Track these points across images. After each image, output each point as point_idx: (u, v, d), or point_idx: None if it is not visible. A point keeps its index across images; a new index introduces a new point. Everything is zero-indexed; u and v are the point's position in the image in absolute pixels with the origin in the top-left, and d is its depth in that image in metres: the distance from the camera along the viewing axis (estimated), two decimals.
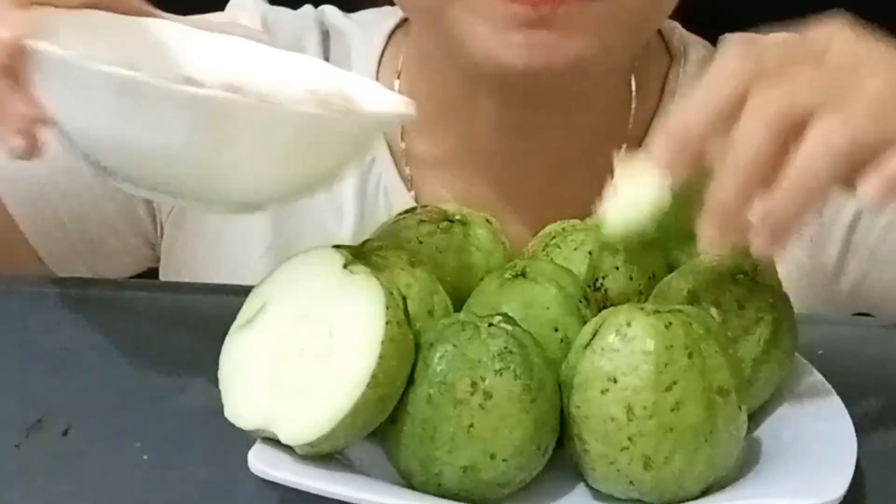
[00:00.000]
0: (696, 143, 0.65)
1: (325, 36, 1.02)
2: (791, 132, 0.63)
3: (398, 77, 0.99)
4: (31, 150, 0.67)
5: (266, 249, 0.98)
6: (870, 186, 0.62)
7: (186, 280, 1.01)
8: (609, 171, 0.96)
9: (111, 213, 0.99)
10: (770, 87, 0.64)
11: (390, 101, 0.76)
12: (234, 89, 0.73)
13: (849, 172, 0.63)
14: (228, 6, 1.02)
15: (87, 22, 0.72)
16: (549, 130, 0.95)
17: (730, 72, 0.65)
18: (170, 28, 0.77)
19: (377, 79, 0.98)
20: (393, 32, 1.01)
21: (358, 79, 0.77)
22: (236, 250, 0.99)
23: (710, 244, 0.65)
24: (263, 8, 1.02)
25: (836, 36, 0.66)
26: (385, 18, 1.02)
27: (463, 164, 0.97)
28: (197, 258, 1.00)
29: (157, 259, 1.04)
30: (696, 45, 1.01)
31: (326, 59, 0.99)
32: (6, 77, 0.66)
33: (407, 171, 0.98)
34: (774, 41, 0.67)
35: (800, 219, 0.63)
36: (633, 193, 0.68)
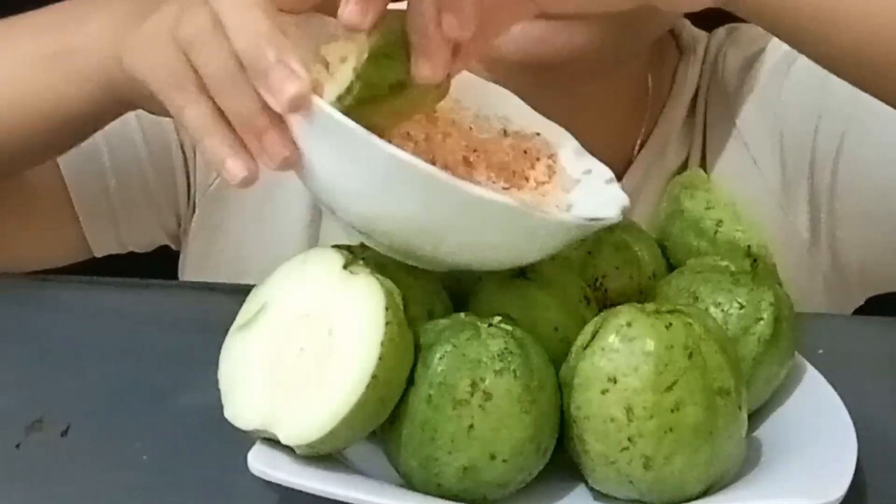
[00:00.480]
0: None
1: None
2: None
3: None
4: (250, 183, 0.68)
5: (304, 227, 0.99)
6: None
7: (215, 257, 1.01)
8: (621, 170, 0.98)
9: (154, 181, 0.99)
10: None
11: (586, 159, 0.75)
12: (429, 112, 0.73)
13: None
14: None
15: (310, 24, 0.71)
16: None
17: None
18: None
19: None
20: None
21: (546, 122, 0.76)
22: (277, 227, 1.00)
23: (428, 77, 0.67)
24: None
25: None
26: None
27: None
28: (235, 234, 1.01)
29: (176, 237, 1.04)
30: (703, 39, 1.02)
31: None
32: (269, 113, 0.66)
33: None
34: None
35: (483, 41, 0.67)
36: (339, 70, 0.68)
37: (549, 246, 0.68)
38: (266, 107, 0.65)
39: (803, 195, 0.96)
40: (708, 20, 1.01)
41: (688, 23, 1.03)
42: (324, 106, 0.64)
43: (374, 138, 0.63)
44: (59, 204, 0.98)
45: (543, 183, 0.72)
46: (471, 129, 0.74)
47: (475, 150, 0.72)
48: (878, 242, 0.95)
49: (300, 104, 0.64)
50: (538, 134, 0.75)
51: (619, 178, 0.97)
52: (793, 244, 0.97)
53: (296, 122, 0.65)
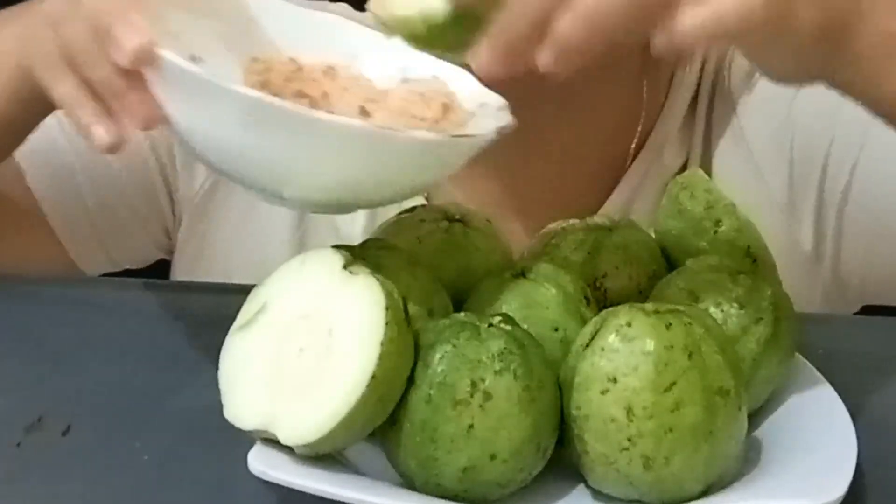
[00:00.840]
0: None
1: None
2: None
3: None
4: (117, 146, 0.69)
5: (288, 238, 0.99)
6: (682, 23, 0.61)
7: (204, 265, 1.01)
8: (616, 173, 0.97)
9: (135, 198, 0.99)
10: None
11: (482, 93, 0.75)
12: (329, 70, 0.73)
13: (642, 18, 0.62)
14: None
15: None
16: (557, 131, 0.95)
17: None
18: (263, 1, 0.77)
19: None
20: None
21: (444, 65, 0.76)
22: (264, 232, 1.00)
23: (482, 70, 0.65)
24: None
25: None
26: None
27: (471, 163, 0.98)
28: (223, 241, 1.01)
29: (170, 250, 1.04)
30: None
31: None
32: (127, 76, 0.67)
33: None
34: None
35: (585, 48, 0.63)
36: None
37: (420, 171, 0.68)
38: (124, 71, 0.66)
39: (809, 209, 0.96)
40: None
41: None
42: (171, 57, 0.65)
43: (225, 82, 0.64)
44: (41, 229, 0.97)
45: (438, 121, 0.72)
46: (370, 81, 0.75)
47: (373, 101, 0.73)
48: (883, 262, 0.95)
49: (144, 57, 0.65)
50: (436, 77, 0.76)
51: (616, 180, 0.98)
52: (793, 254, 0.97)
53: (152, 80, 0.66)
